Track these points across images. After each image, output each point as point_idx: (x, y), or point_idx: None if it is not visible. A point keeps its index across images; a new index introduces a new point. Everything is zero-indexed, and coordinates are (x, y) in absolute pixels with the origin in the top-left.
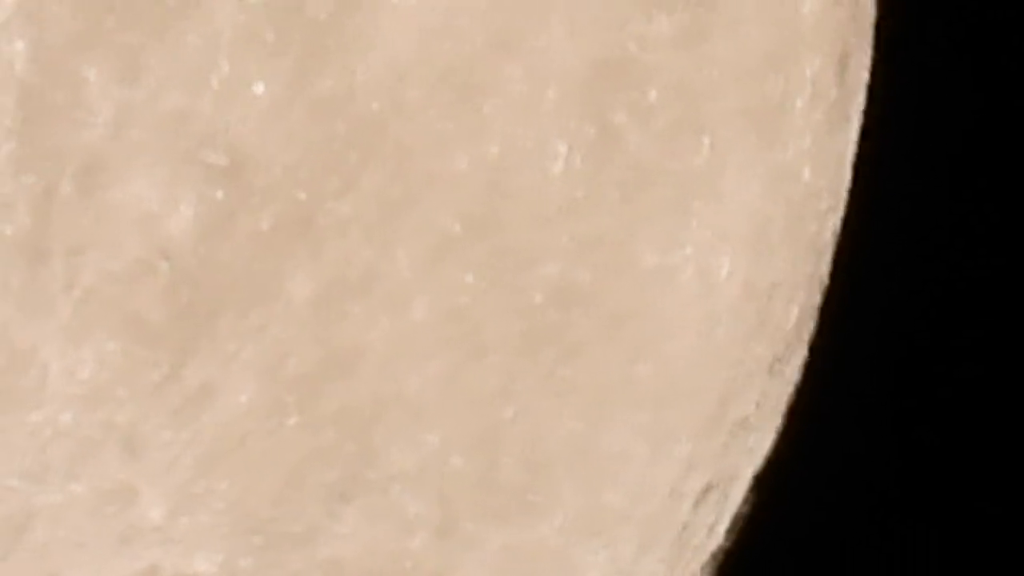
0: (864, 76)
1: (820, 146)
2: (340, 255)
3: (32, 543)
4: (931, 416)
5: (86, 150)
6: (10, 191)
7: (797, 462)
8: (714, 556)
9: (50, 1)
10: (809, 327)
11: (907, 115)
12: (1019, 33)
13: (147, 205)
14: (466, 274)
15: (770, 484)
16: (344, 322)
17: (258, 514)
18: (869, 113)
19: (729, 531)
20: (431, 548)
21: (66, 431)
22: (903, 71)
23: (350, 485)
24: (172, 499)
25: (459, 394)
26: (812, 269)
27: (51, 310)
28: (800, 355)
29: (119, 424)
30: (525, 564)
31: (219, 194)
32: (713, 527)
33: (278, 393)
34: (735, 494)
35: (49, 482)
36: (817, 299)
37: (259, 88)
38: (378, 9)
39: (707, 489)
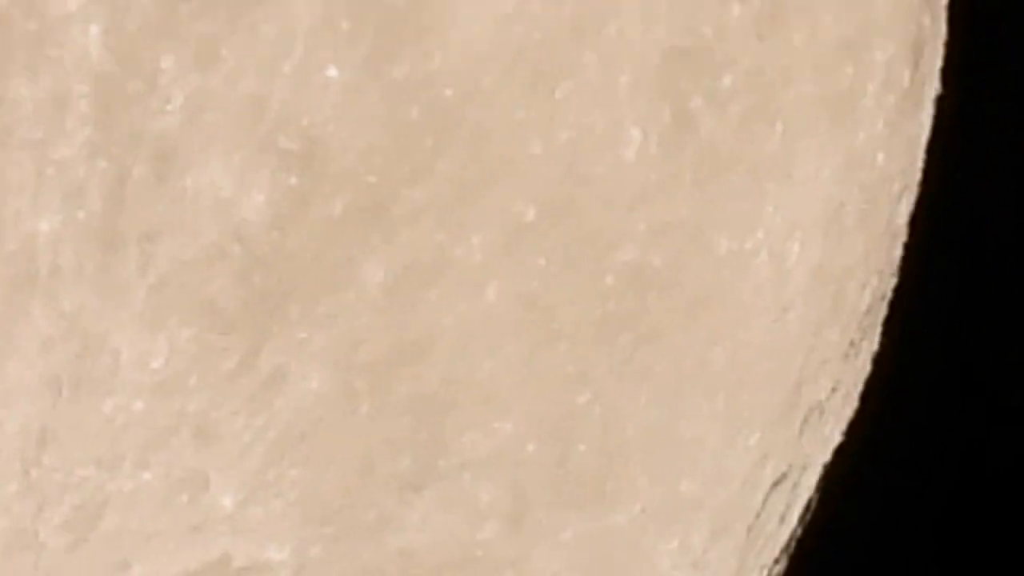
0: (938, 61)
1: (893, 131)
2: (413, 241)
3: (104, 532)
4: (1005, 402)
5: (160, 136)
6: (83, 176)
7: (869, 449)
8: (787, 545)
9: None
10: (882, 312)
11: (981, 100)
12: None
13: (221, 191)
14: (540, 259)
15: (842, 471)
16: (417, 308)
17: (329, 503)
18: (943, 98)
19: (801, 519)
20: (503, 537)
21: (139, 419)
22: (977, 55)
23: (422, 473)
24: (244, 487)
25: (533, 381)
26: (885, 254)
27: (125, 297)
28: (873, 341)
29: (191, 412)
30: (598, 553)
31: (292, 180)
32: (785, 515)
33: (350, 380)
34: (808, 481)
35: (122, 470)
36: (891, 284)
37: (333, 73)
38: None
39: (781, 477)
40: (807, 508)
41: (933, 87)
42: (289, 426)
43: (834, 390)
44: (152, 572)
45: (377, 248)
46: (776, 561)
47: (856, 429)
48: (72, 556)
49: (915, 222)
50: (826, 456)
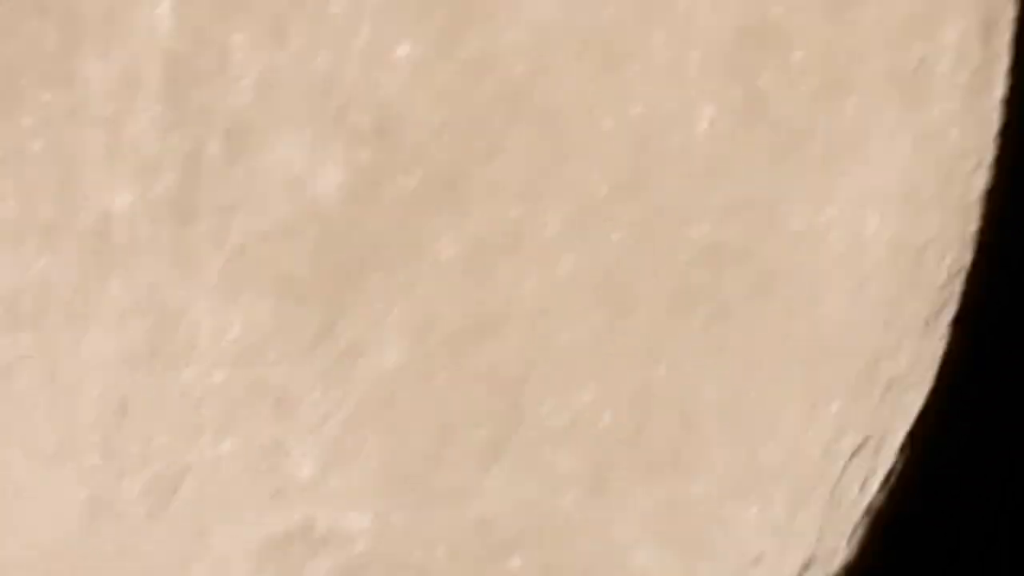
0: (1008, 38)
1: (967, 107)
2: (487, 215)
3: (184, 500)
4: None
5: (232, 113)
6: (157, 152)
7: (951, 419)
8: (867, 513)
9: None
10: (960, 285)
11: None
12: None
13: (294, 167)
14: (614, 234)
15: (924, 441)
16: (492, 281)
17: (408, 472)
18: (1015, 74)
19: (882, 488)
20: (582, 505)
21: (217, 389)
22: None
23: (500, 442)
24: (323, 456)
25: (610, 352)
26: (961, 227)
27: (201, 269)
28: (951, 313)
29: (270, 383)
30: (678, 522)
31: (365, 155)
32: (865, 484)
33: (427, 351)
34: (888, 451)
35: (201, 439)
36: (968, 257)
37: (404, 51)
38: None
39: (860, 447)
40: (889, 476)
41: (1005, 63)
42: (367, 396)
43: (913, 362)
44: (232, 540)
45: (452, 222)
46: (857, 528)
47: (939, 398)
48: (152, 524)
49: (991, 195)
50: (907, 425)
